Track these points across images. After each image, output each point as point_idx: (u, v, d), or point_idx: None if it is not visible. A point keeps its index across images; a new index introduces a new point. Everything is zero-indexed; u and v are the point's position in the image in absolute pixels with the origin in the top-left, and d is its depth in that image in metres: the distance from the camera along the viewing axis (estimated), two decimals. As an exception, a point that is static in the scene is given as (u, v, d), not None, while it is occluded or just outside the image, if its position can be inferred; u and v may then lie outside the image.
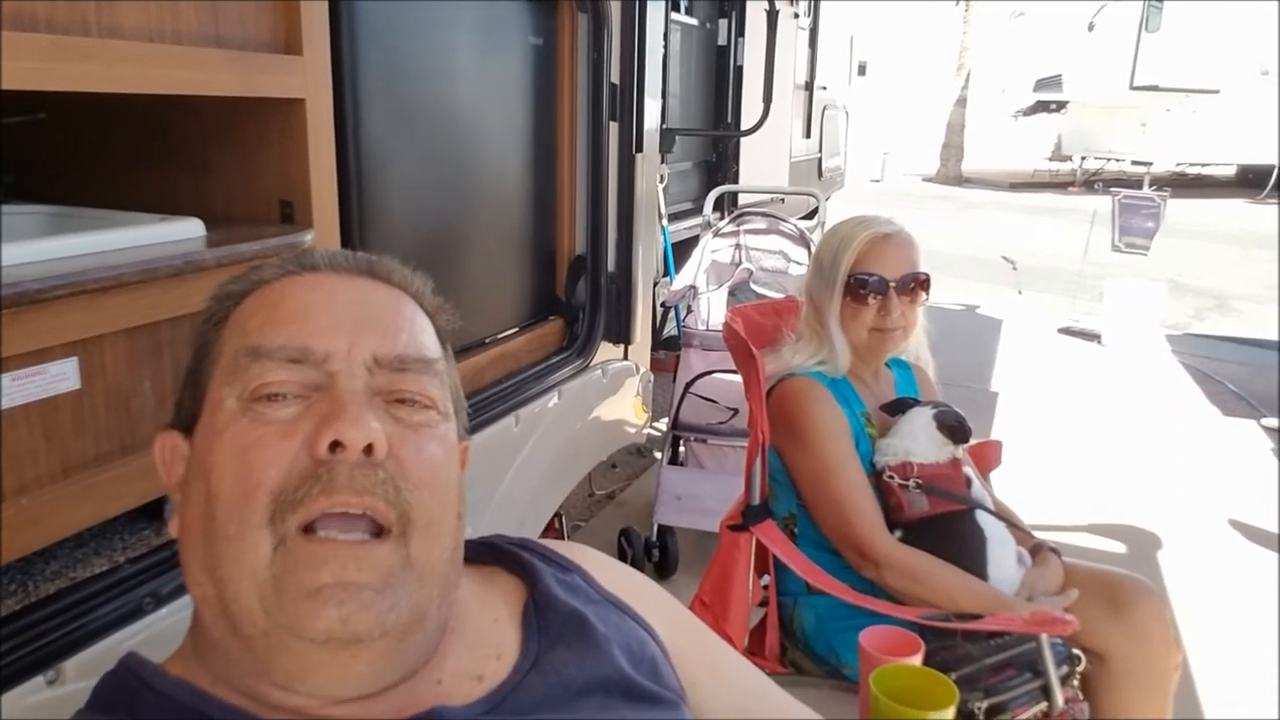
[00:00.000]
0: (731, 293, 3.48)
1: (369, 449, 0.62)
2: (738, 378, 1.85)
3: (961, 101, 19.57)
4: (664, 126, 3.47)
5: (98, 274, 1.01)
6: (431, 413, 0.69)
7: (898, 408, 1.76)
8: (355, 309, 0.69)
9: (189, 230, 1.20)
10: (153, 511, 1.17)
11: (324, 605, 0.59)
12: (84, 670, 1.00)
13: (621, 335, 2.37)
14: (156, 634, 1.07)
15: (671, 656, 0.79)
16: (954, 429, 1.68)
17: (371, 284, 0.72)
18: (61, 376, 1.03)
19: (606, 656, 0.72)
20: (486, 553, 0.82)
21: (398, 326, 0.70)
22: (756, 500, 1.75)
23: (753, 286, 3.44)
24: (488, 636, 0.73)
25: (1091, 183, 16.17)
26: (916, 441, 1.68)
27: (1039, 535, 1.76)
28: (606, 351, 2.36)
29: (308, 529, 0.61)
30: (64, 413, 1.04)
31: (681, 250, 3.92)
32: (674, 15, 4.02)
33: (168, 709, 0.63)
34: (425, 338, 0.72)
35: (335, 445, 0.61)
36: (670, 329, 3.68)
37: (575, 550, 0.85)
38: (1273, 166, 14.64)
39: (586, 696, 0.70)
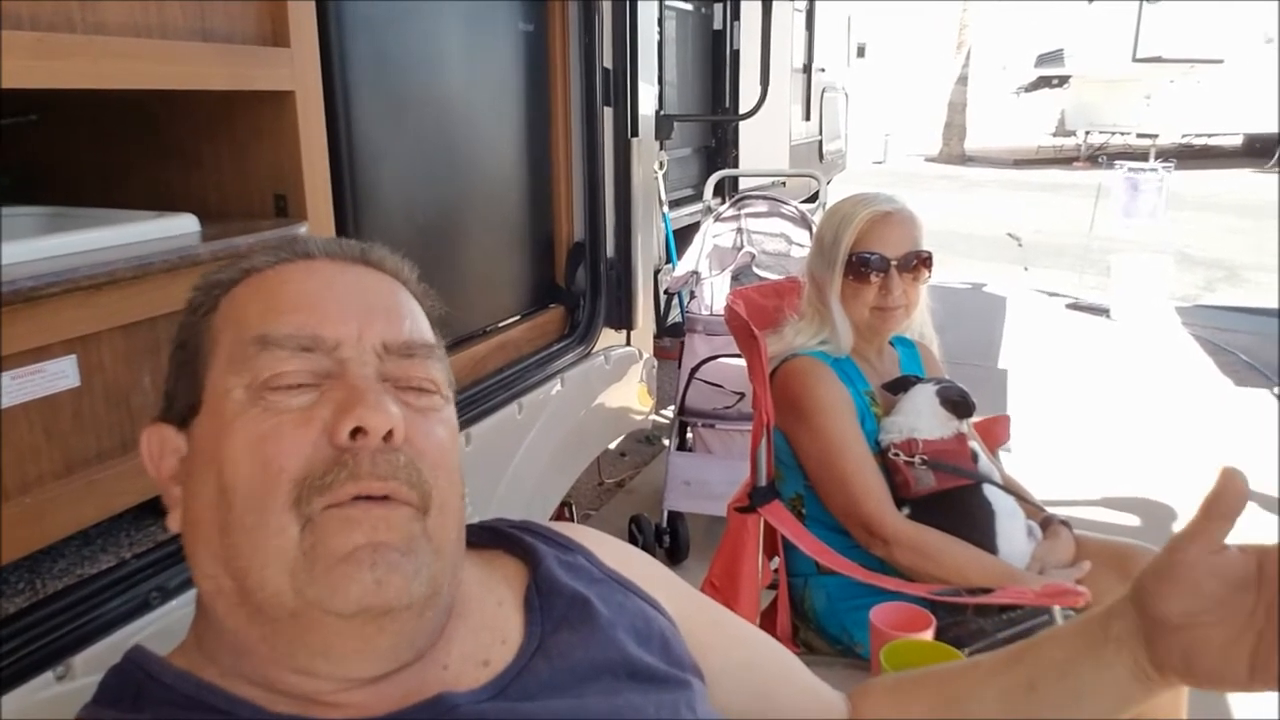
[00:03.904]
0: (734, 277, 3.47)
1: (389, 435, 0.62)
2: (743, 362, 1.84)
3: (962, 79, 19.48)
4: (661, 113, 3.46)
5: (92, 271, 1.02)
6: (436, 397, 0.69)
7: (900, 385, 1.75)
8: (357, 296, 0.69)
9: (183, 226, 1.20)
10: (157, 507, 1.17)
11: (358, 568, 0.60)
12: (93, 665, 1.00)
13: (623, 321, 2.37)
14: (164, 627, 1.08)
15: (680, 627, 0.79)
16: (957, 404, 1.67)
17: (366, 271, 0.72)
18: (60, 374, 1.03)
19: (611, 639, 0.72)
20: (488, 536, 0.82)
21: (400, 313, 0.70)
22: (763, 481, 1.74)
23: (755, 270, 3.43)
24: (492, 620, 0.73)
25: (1096, 157, 16.08)
26: (920, 418, 1.67)
27: (1052, 510, 1.75)
28: (609, 338, 2.35)
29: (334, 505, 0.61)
30: (64, 410, 1.05)
31: (683, 237, 3.91)
32: (668, 1, 4.00)
33: (173, 701, 0.63)
34: (424, 323, 0.72)
35: (356, 432, 0.61)
36: (675, 316, 3.67)
37: (577, 530, 0.85)
38: (1278, 135, 14.52)
39: (592, 680, 0.70)
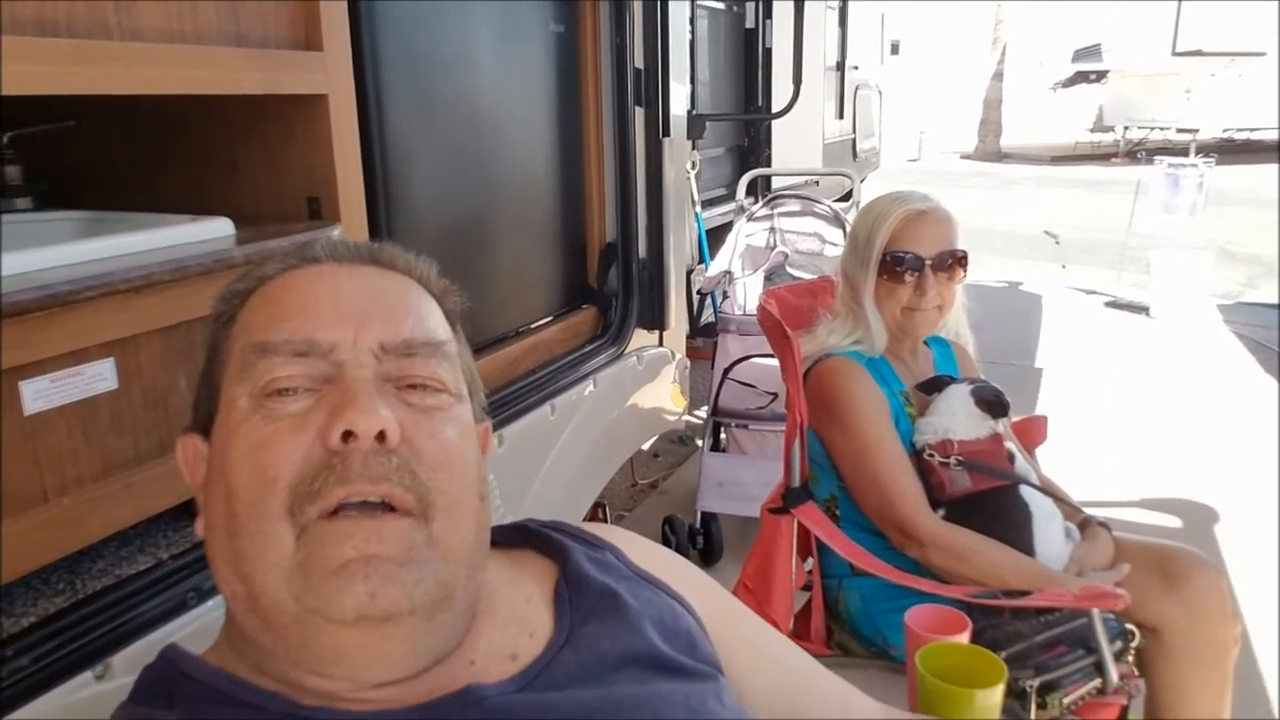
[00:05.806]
0: (768, 277, 3.45)
1: (381, 436, 0.62)
2: (776, 362, 1.83)
3: (998, 76, 19.27)
4: (693, 112, 3.44)
5: (129, 274, 1.03)
6: (444, 395, 0.68)
7: (933, 385, 1.73)
8: (359, 298, 0.69)
9: (218, 229, 1.21)
10: (193, 509, 1.18)
11: (350, 581, 0.59)
12: (131, 665, 1.01)
13: (656, 321, 2.36)
14: (201, 628, 1.09)
15: (709, 632, 0.78)
16: (992, 404, 1.65)
17: (375, 271, 0.72)
18: (99, 377, 1.05)
19: (639, 631, 0.72)
20: (518, 536, 0.82)
21: (403, 311, 0.70)
22: (796, 482, 1.73)
23: (788, 269, 3.41)
24: (520, 615, 0.73)
25: (1135, 153, 15.82)
26: (955, 418, 1.65)
27: (1091, 512, 1.72)
28: (641, 338, 2.35)
29: (326, 516, 0.61)
30: (103, 412, 1.06)
31: (716, 237, 3.90)
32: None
33: (207, 697, 0.64)
34: (432, 321, 0.71)
35: (347, 435, 0.62)
36: (708, 316, 3.66)
37: (606, 529, 0.85)
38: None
39: (620, 670, 0.69)
